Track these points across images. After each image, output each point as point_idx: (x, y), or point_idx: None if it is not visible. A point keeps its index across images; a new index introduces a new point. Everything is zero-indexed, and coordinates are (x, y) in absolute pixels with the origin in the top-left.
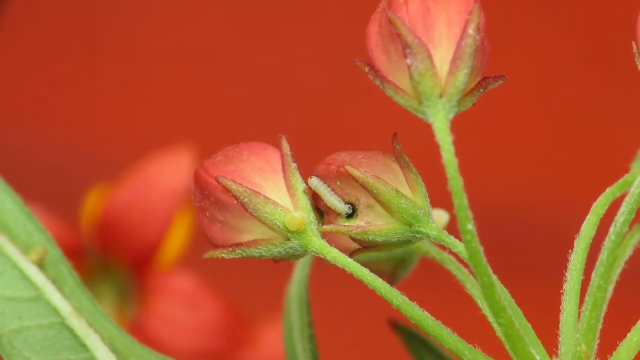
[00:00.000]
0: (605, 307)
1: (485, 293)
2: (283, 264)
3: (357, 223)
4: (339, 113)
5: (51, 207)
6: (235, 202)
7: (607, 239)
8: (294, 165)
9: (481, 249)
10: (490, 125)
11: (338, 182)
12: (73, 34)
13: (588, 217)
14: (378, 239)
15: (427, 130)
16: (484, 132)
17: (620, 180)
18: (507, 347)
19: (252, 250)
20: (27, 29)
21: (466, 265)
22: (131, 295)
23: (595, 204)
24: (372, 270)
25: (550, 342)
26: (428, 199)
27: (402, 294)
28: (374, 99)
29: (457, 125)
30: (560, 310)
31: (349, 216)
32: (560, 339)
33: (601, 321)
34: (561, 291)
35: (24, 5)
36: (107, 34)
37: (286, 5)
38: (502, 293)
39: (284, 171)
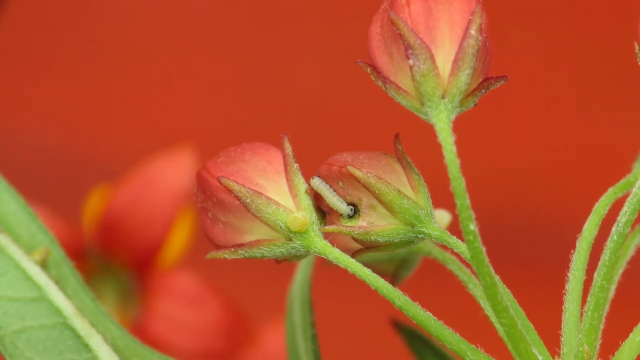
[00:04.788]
0: (607, 307)
1: (487, 293)
2: (285, 264)
3: (359, 223)
4: (341, 114)
5: (54, 208)
6: (237, 202)
7: (609, 239)
8: (296, 165)
9: (483, 249)
10: (492, 125)
11: (340, 183)
12: (74, 35)
13: (590, 217)
14: (380, 240)
15: (429, 130)
16: (486, 133)
17: (623, 181)
18: (510, 348)
19: (255, 251)
20: (28, 29)
21: (468, 266)
22: (133, 296)
23: (597, 204)
24: (374, 271)
25: (552, 342)
26: (430, 200)
27: (404, 294)
28: (376, 99)
29: (460, 126)
30: (562, 311)
31: (351, 217)
32: (562, 339)
33: (603, 321)
34: (563, 291)
35: (24, 6)
36: (108, 34)
37: (288, 5)
38: (505, 293)
39: (286, 172)
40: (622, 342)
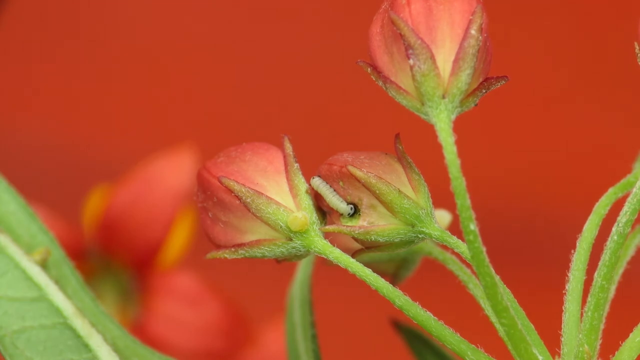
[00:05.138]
0: (607, 308)
1: (487, 293)
2: (285, 264)
3: (360, 223)
4: (341, 114)
5: (54, 208)
6: (238, 202)
7: (609, 239)
8: (296, 165)
9: (484, 249)
10: (492, 125)
11: (340, 183)
12: (74, 35)
13: (590, 217)
14: (380, 239)
15: (429, 130)
16: (486, 133)
17: (623, 181)
18: (510, 348)
19: (255, 251)
20: (28, 28)
21: (469, 266)
22: (133, 295)
23: (597, 204)
24: (374, 271)
25: (552, 342)
26: (430, 200)
27: (404, 294)
28: (376, 99)
29: (460, 126)
30: (562, 311)
31: (352, 216)
32: (562, 339)
33: (603, 321)
34: (564, 291)
35: (24, 6)
36: (108, 34)
37: (288, 5)
38: (505, 293)
39: (287, 171)
40: (622, 342)
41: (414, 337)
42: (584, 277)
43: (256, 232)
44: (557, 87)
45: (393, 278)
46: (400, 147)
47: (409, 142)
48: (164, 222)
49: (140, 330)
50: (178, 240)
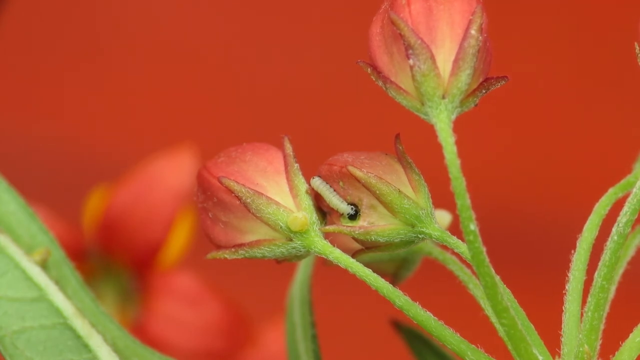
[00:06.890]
0: (607, 308)
1: (487, 293)
2: (286, 264)
3: (360, 224)
4: (341, 114)
5: (54, 208)
6: (238, 202)
7: (609, 239)
8: (296, 165)
9: (484, 249)
10: (492, 125)
11: (341, 183)
12: (74, 34)
13: (590, 217)
14: (381, 240)
15: (429, 131)
16: (486, 133)
17: (623, 181)
18: (510, 348)
19: (255, 251)
20: (28, 28)
21: (469, 266)
22: (133, 296)
23: (597, 204)
24: (374, 271)
25: (552, 342)
26: (431, 200)
27: (404, 294)
28: (376, 99)
29: (460, 126)
30: (562, 311)
31: (352, 217)
32: (562, 339)
33: (603, 322)
34: (564, 291)
35: (24, 6)
36: (108, 34)
37: (288, 6)
38: (505, 293)
39: (287, 172)
40: (622, 343)
41: (414, 337)
42: (584, 277)
43: (256, 232)
44: (557, 87)
45: (393, 278)
46: (400, 147)
47: (409, 142)
48: (164, 222)
49: (140, 330)
50: (178, 240)
